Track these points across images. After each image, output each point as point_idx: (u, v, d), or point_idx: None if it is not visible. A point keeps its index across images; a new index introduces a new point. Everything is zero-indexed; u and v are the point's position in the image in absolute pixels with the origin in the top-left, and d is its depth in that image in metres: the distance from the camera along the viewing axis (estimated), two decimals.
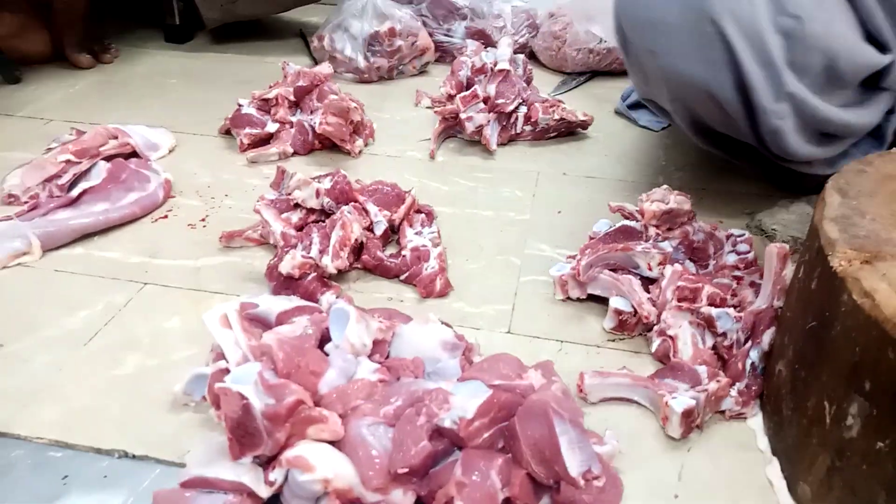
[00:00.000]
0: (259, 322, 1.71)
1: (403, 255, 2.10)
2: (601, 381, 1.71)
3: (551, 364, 1.54)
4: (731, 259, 2.01)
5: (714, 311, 1.77)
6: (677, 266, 1.85)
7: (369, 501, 1.26)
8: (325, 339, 1.69)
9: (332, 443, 1.33)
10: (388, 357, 1.51)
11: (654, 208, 1.98)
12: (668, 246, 1.95)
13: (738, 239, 2.06)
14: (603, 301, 1.96)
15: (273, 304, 1.72)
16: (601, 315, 1.99)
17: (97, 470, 1.39)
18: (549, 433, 1.26)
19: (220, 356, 1.45)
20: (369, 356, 1.47)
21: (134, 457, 1.44)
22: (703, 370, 1.72)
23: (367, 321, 1.63)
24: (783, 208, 1.97)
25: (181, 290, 1.90)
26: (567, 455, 1.26)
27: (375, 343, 1.69)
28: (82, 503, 1.32)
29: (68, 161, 2.10)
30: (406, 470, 1.25)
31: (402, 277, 2.09)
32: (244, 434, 1.29)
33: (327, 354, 1.46)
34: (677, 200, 2.00)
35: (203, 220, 2.42)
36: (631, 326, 1.90)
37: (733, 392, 1.69)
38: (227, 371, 1.38)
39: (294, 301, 1.76)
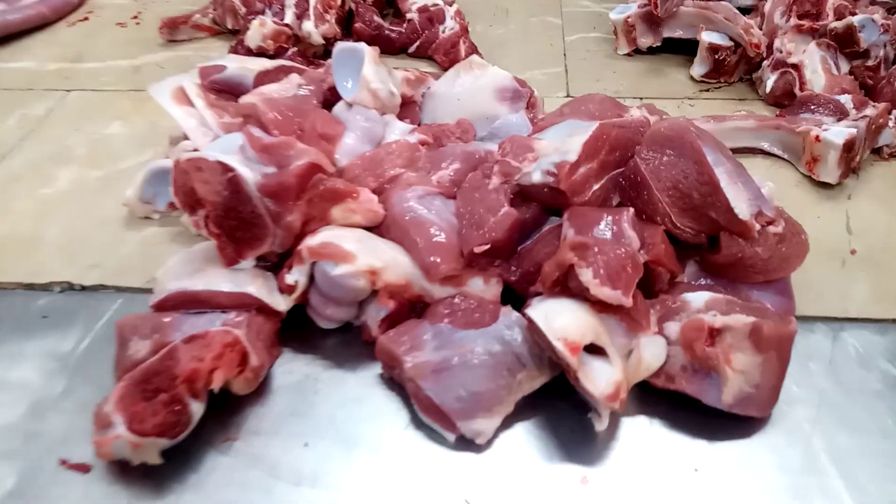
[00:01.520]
0: (229, 93, 1.18)
1: (410, 20, 1.55)
2: (717, 128, 1.23)
3: (653, 105, 1.05)
4: None
5: (855, 20, 1.28)
6: None
7: (436, 296, 0.96)
8: (328, 104, 1.17)
9: (370, 230, 1.01)
10: (419, 126, 1.16)
11: None
12: None
13: None
14: (682, 50, 1.48)
15: (248, 65, 1.18)
16: (683, 65, 1.50)
17: (33, 310, 1.05)
18: (699, 167, 0.92)
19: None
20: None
21: (83, 288, 1.09)
22: (846, 99, 1.25)
23: (387, 67, 1.11)
24: None
25: (119, 92, 1.53)
26: (730, 192, 0.89)
27: (403, 103, 1.18)
28: (18, 352, 0.98)
29: None
30: (486, 247, 0.93)
31: (412, 49, 1.54)
32: (238, 225, 0.95)
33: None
34: None
35: (135, 17, 1.83)
36: (730, 67, 1.41)
37: (892, 122, 1.23)
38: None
39: (277, 62, 1.22)
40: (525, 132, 1.13)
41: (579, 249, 0.85)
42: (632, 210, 0.94)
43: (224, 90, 1.21)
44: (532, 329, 0.87)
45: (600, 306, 0.86)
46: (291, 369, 0.95)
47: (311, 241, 0.95)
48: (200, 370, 0.84)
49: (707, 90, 1.42)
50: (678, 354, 0.86)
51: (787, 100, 1.37)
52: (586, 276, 0.84)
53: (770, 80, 1.36)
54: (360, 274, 0.92)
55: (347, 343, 0.98)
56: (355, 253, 0.93)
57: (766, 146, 1.24)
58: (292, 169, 0.93)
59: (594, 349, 0.82)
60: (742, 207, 0.90)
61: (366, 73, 1.08)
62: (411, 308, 0.99)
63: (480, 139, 1.16)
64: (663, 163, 0.93)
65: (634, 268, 0.86)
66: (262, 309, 0.95)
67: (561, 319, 0.83)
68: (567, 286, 0.88)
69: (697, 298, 0.89)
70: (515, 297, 0.96)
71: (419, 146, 1.05)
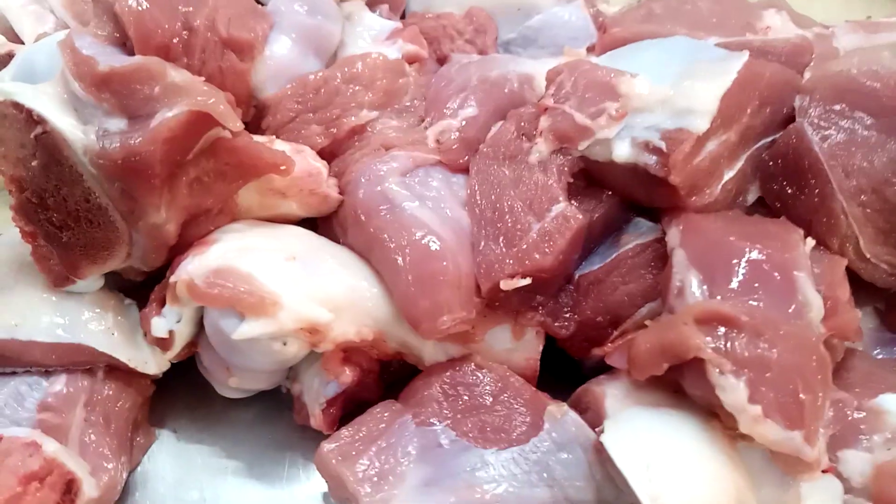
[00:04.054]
0: None
1: None
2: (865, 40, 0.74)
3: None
4: None
5: None
6: None
7: (428, 359, 0.60)
8: None
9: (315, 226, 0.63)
10: (403, 17, 0.78)
11: None
12: None
13: None
14: None
15: None
16: None
17: None
18: None
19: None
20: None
21: None
22: None
23: None
24: None
25: None
26: None
27: None
28: None
29: None
30: (524, 281, 0.56)
31: None
32: (66, 221, 0.56)
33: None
34: None
35: None
36: None
37: None
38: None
39: None
40: (585, 40, 0.66)
41: (716, 330, 0.44)
42: (811, 244, 0.50)
43: None
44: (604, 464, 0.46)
45: (741, 434, 0.45)
46: (174, 472, 0.61)
47: (195, 264, 0.51)
48: None
49: None
50: None
51: None
52: (736, 395, 0.45)
53: None
54: (289, 335, 0.48)
55: (273, 417, 0.63)
56: (279, 294, 0.49)
57: None
58: (158, 125, 0.47)
59: None
60: None
61: None
62: (384, 369, 0.57)
63: (505, 45, 0.70)
64: (857, 139, 0.57)
65: (824, 382, 0.44)
66: (114, 368, 0.60)
67: (681, 485, 0.43)
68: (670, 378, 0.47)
69: None
70: (558, 356, 0.62)
71: (404, 65, 0.58)
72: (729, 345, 0.47)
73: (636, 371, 0.53)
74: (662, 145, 0.56)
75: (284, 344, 0.54)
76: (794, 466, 0.53)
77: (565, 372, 0.61)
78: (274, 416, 0.63)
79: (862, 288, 0.63)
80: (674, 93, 0.58)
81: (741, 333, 0.47)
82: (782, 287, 0.51)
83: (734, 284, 0.52)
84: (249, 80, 0.65)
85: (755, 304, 0.51)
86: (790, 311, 0.50)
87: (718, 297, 0.50)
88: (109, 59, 0.54)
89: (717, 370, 0.47)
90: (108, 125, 0.54)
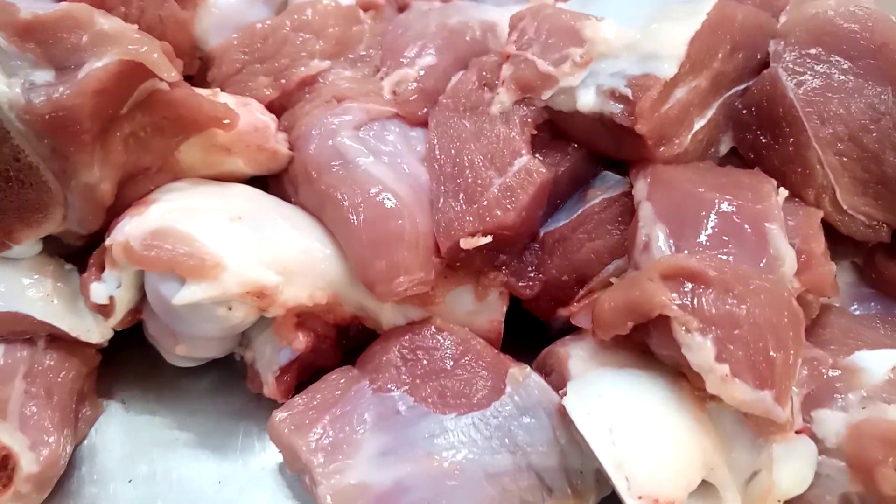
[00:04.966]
0: None
1: None
2: None
3: None
4: None
5: None
6: None
7: (386, 322, 0.57)
8: None
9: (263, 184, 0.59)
10: None
11: None
12: None
13: None
14: None
15: None
16: None
17: None
18: None
19: None
20: None
21: None
22: None
23: None
24: None
25: None
26: None
27: None
28: None
29: None
30: (485, 239, 0.53)
31: None
32: None
33: None
34: None
35: None
36: None
37: None
38: None
39: None
40: None
41: (682, 286, 0.41)
42: (784, 194, 0.48)
43: None
44: (569, 428, 0.44)
45: (711, 395, 0.43)
46: (123, 445, 0.58)
47: (132, 226, 0.48)
48: None
49: None
50: (838, 475, 0.49)
51: None
52: (703, 353, 0.43)
53: None
54: (234, 299, 0.46)
55: (227, 387, 0.61)
56: (222, 256, 0.47)
57: None
58: (86, 77, 0.44)
59: None
60: None
61: None
62: (340, 334, 0.55)
63: None
64: (833, 84, 0.54)
65: (796, 340, 0.42)
66: (56, 338, 0.57)
67: (645, 449, 0.41)
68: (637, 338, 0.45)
69: (878, 363, 0.50)
70: (523, 317, 0.60)
71: (358, 11, 0.55)
72: (696, 301, 0.45)
73: (600, 331, 0.50)
74: (628, 93, 0.53)
75: (230, 309, 0.51)
76: (766, 428, 0.51)
77: (533, 335, 0.59)
78: (228, 386, 0.60)
79: (839, 242, 0.61)
80: (640, 37, 0.55)
81: (709, 289, 0.45)
82: (753, 240, 0.49)
83: (702, 238, 0.49)
84: (192, 30, 0.61)
85: (724, 258, 0.48)
86: (761, 265, 0.48)
87: (686, 252, 0.47)
88: (33, 6, 0.50)
89: (683, 328, 0.45)
90: (34, 78, 0.50)
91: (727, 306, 0.44)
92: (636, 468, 0.42)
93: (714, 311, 0.44)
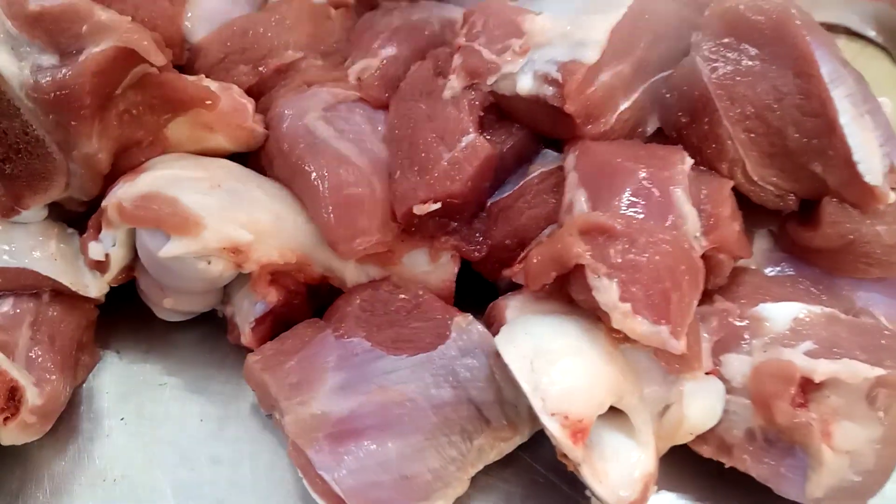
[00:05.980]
0: None
1: None
2: None
3: None
4: None
5: None
6: None
7: (349, 280, 0.64)
8: None
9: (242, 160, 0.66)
10: None
11: None
12: None
13: None
14: None
15: None
16: None
17: None
18: (807, 83, 0.56)
19: None
20: None
21: None
22: None
23: None
24: None
25: None
26: (853, 131, 0.55)
27: None
28: None
29: None
30: (436, 205, 0.59)
31: None
32: (7, 154, 0.58)
33: None
34: None
35: None
36: None
37: None
38: None
39: None
40: None
41: (596, 239, 0.47)
42: (690, 162, 0.54)
43: None
44: (504, 367, 0.50)
45: (624, 335, 0.49)
46: (117, 388, 0.66)
47: (125, 190, 0.55)
48: None
49: None
50: (743, 411, 0.54)
51: None
52: (608, 294, 0.49)
53: None
54: (212, 254, 0.53)
55: (212, 341, 0.68)
56: (202, 216, 0.54)
57: (854, 23, 0.90)
58: (85, 60, 0.51)
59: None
60: (871, 161, 0.53)
61: None
62: (311, 293, 0.62)
63: None
64: (742, 69, 0.60)
65: (692, 284, 0.48)
66: (59, 293, 0.64)
67: (559, 373, 0.47)
68: (566, 291, 0.51)
69: (781, 314, 0.55)
70: (475, 280, 0.67)
71: (329, 9, 0.62)
72: (605, 251, 0.51)
73: (530, 282, 0.57)
74: (559, 77, 0.60)
75: (209, 263, 0.58)
76: (674, 365, 0.58)
77: (485, 296, 0.66)
78: (213, 340, 0.68)
79: (757, 213, 0.68)
80: (570, 27, 0.62)
81: (616, 241, 0.51)
82: (660, 202, 0.55)
83: (616, 200, 0.55)
84: (181, 24, 0.66)
85: (633, 215, 0.55)
86: (667, 223, 0.55)
87: (600, 211, 0.54)
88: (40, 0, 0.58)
89: (595, 274, 0.51)
90: (41, 61, 0.57)
91: (631, 255, 0.51)
92: (550, 389, 0.49)
93: (620, 259, 0.51)
